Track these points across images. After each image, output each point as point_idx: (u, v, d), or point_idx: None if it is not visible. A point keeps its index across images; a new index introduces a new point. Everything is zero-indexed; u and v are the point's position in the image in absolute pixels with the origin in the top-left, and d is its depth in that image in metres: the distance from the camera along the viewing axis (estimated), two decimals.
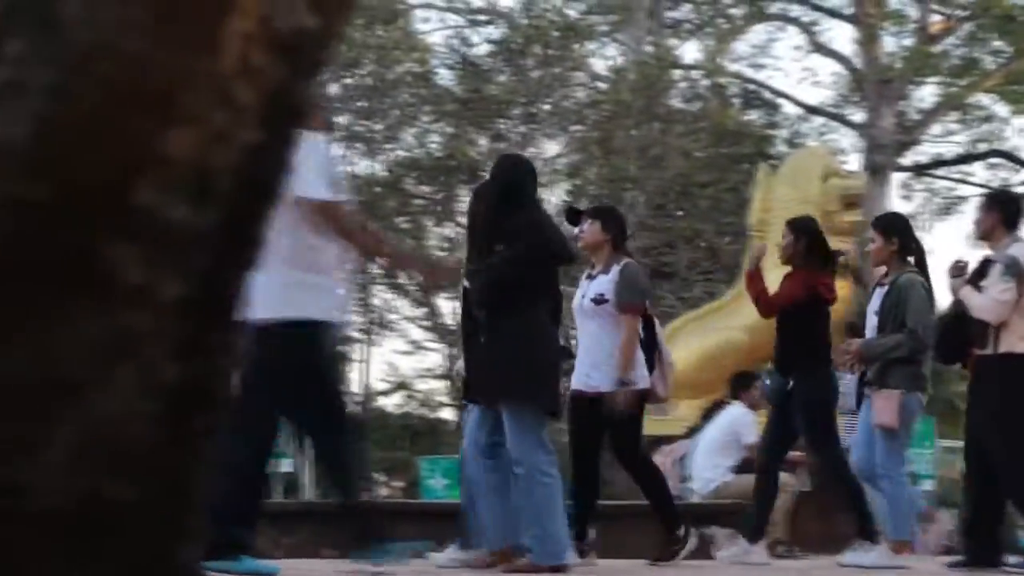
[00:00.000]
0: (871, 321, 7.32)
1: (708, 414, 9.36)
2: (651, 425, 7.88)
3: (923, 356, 7.38)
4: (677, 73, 18.89)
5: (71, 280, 1.18)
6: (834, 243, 7.83)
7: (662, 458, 9.02)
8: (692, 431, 9.52)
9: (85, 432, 1.20)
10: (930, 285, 7.54)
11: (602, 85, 18.75)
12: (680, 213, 17.52)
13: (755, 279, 7.24)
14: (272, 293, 4.09)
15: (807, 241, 7.38)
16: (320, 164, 4.40)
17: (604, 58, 19.65)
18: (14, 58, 1.14)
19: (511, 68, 18.21)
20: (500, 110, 17.74)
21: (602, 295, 7.50)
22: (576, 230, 7.98)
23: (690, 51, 20.52)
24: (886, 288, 7.38)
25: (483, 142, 18.05)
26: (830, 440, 7.12)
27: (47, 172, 1.15)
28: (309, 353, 4.49)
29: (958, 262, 6.98)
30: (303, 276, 4.40)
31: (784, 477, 7.73)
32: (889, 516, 7.33)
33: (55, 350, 1.18)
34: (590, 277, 7.16)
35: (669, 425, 10.28)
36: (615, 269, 7.56)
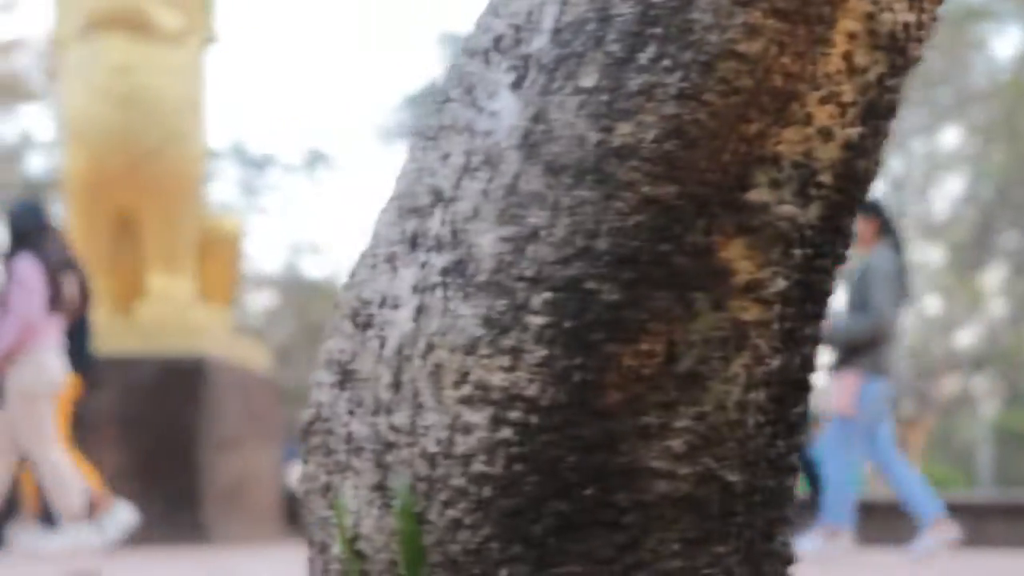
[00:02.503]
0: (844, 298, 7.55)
1: None
2: None
3: (885, 340, 7.34)
4: None
5: (692, 277, 1.23)
6: None
7: None
8: None
9: (703, 420, 1.26)
10: (903, 263, 7.51)
11: (1005, 68, 18.13)
12: None
13: None
14: None
15: None
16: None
17: (1007, 41, 19.00)
18: (646, 64, 1.20)
19: None
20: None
21: None
22: None
23: None
24: (860, 266, 7.32)
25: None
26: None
27: (673, 173, 1.20)
28: None
29: None
30: None
31: None
32: (827, 500, 7.38)
33: (678, 344, 1.24)
34: None
35: None
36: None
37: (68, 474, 7.88)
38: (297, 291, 31.39)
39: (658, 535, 1.27)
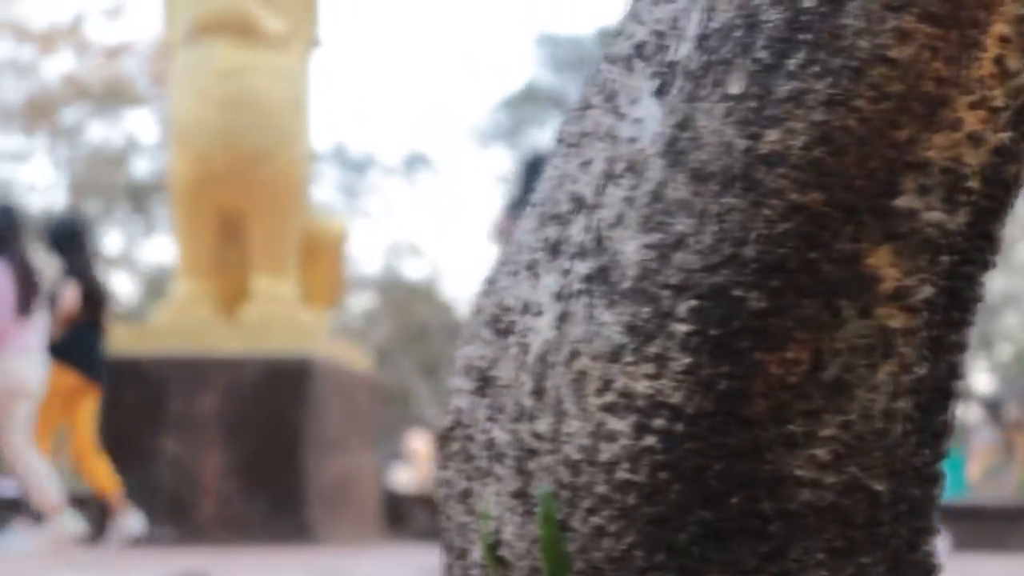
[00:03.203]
0: None
1: None
2: None
3: None
4: None
5: (839, 284, 1.22)
6: None
7: None
8: None
9: (849, 429, 1.25)
10: None
11: None
12: None
13: None
14: None
15: None
16: None
17: None
18: (795, 70, 1.19)
19: None
20: None
21: None
22: None
23: None
24: None
25: None
26: None
27: (822, 180, 1.19)
28: None
29: None
30: None
31: None
32: None
33: (825, 352, 1.23)
34: None
35: None
36: None
37: (42, 472, 8.06)
38: (396, 293, 31.58)
39: (803, 544, 1.26)
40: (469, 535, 1.39)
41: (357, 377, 11.17)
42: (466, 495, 1.39)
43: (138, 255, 32.12)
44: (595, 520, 1.27)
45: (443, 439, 1.43)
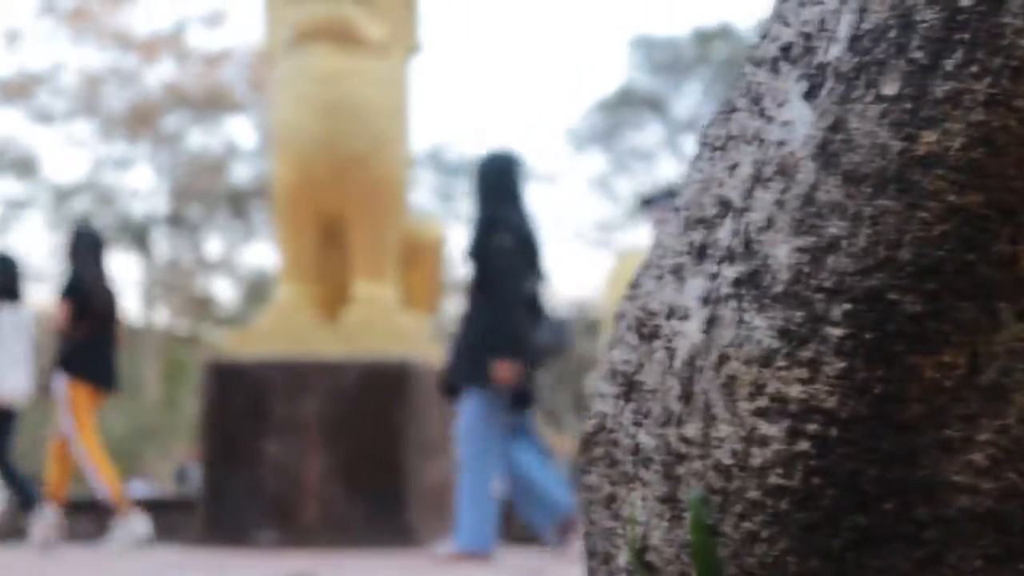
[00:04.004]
0: None
1: None
2: None
3: None
4: None
5: (997, 286, 1.20)
6: None
7: None
8: None
9: (1006, 433, 1.23)
10: None
11: None
12: None
13: None
14: None
15: None
16: None
17: None
18: (952, 70, 1.17)
19: None
20: None
21: None
22: (649, 219, 7.88)
23: None
24: None
25: None
26: None
27: (980, 181, 1.18)
28: None
29: None
30: None
31: None
32: None
33: (981, 356, 1.21)
34: None
35: None
36: None
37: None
38: None
39: (959, 551, 1.24)
40: (614, 540, 1.39)
41: None
42: (611, 500, 1.39)
43: (238, 260, 32.44)
44: (747, 525, 1.26)
45: (586, 443, 1.43)
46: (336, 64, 10.54)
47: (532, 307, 6.90)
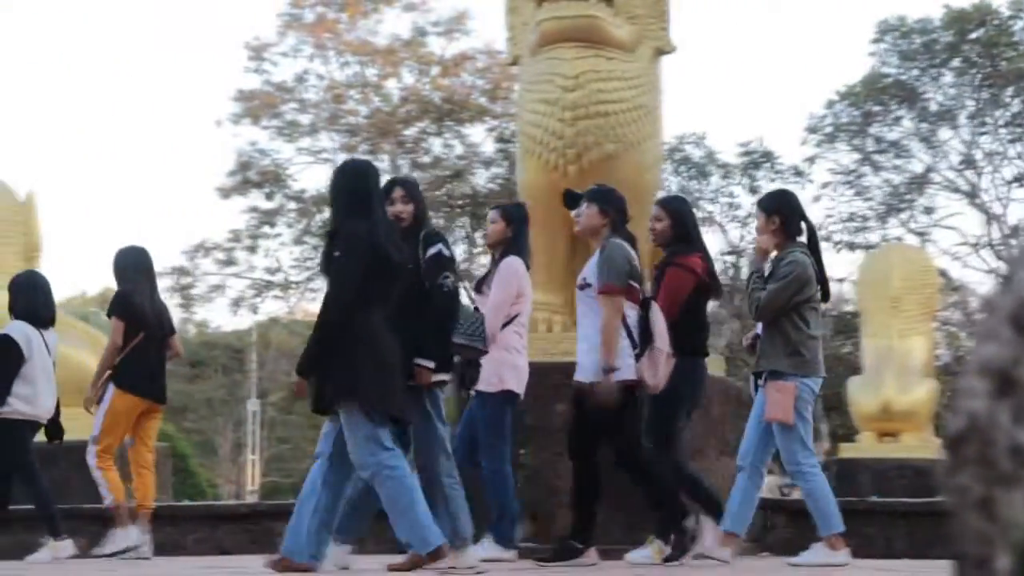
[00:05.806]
0: None
1: None
2: None
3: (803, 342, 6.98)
4: None
5: None
6: None
7: None
8: None
9: None
10: (816, 265, 7.08)
11: None
12: None
13: None
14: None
15: None
16: None
17: None
18: None
19: None
20: None
21: (585, 280, 7.25)
22: (573, 214, 7.67)
23: None
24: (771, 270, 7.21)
25: None
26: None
27: None
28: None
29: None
30: None
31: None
32: (814, 512, 7.05)
33: None
34: None
35: None
36: (598, 251, 7.41)
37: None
38: (738, 295, 31.34)
39: None
40: (990, 543, 1.32)
41: (712, 384, 11.10)
42: (986, 502, 1.32)
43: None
44: None
45: (955, 444, 1.36)
46: (583, 66, 10.52)
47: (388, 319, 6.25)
